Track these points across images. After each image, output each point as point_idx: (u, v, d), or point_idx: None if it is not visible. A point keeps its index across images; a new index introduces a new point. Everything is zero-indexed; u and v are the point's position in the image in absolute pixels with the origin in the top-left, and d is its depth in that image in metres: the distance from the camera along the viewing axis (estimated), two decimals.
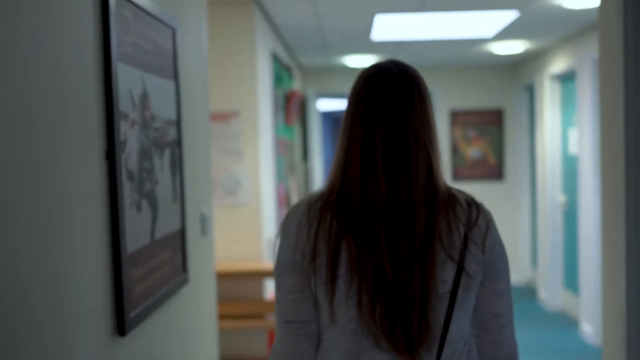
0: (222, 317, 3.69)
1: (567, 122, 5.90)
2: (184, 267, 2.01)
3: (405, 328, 1.15)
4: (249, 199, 3.93)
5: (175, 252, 1.93)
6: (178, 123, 1.99)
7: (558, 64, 5.78)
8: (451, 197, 1.21)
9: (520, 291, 6.94)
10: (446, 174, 1.27)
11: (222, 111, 3.85)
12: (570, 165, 5.83)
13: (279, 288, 1.23)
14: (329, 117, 18.06)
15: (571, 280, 5.89)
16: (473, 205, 1.22)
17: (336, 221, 1.17)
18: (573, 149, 5.72)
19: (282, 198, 5.02)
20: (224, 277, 3.64)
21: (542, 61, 6.21)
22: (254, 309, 3.77)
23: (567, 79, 5.87)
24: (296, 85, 6.35)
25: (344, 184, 1.20)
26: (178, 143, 1.99)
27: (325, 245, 1.17)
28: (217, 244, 3.91)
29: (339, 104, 13.12)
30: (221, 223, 3.89)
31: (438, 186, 1.20)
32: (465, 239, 1.18)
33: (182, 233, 1.99)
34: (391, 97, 1.20)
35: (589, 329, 5.12)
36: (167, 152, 1.87)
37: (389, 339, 1.15)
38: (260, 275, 3.76)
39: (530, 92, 6.97)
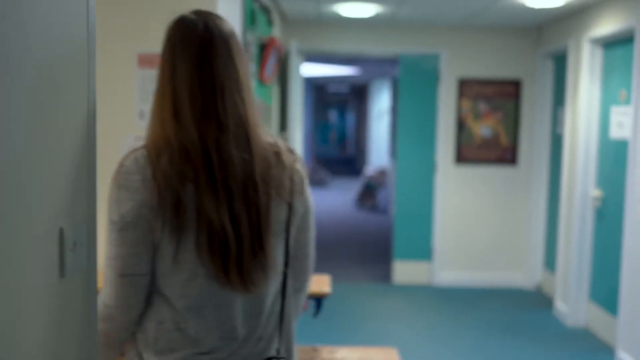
0: None
1: (608, 98, 4.76)
2: None
3: (242, 265, 1.27)
4: None
5: None
6: None
7: (604, 25, 4.61)
8: (279, 146, 1.36)
9: (529, 297, 5.86)
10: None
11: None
12: (610, 153, 4.70)
13: (119, 243, 1.26)
14: (311, 84, 16.40)
15: (601, 294, 4.81)
16: (293, 153, 1.39)
17: (179, 171, 1.24)
18: (616, 132, 4.59)
19: None
20: None
21: (581, 21, 5.02)
22: None
23: (611, 44, 4.71)
24: (276, 35, 5.09)
25: (170, 135, 1.27)
26: None
27: (171, 196, 1.23)
28: None
29: (324, 69, 11.65)
30: None
31: (256, 133, 1.31)
32: (291, 182, 1.35)
33: None
34: (194, 50, 1.29)
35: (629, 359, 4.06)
36: None
37: (230, 278, 1.27)
38: None
39: (558, 60, 5.79)
